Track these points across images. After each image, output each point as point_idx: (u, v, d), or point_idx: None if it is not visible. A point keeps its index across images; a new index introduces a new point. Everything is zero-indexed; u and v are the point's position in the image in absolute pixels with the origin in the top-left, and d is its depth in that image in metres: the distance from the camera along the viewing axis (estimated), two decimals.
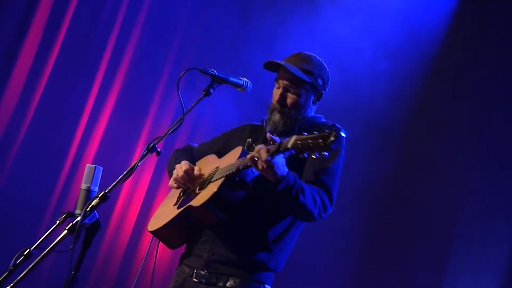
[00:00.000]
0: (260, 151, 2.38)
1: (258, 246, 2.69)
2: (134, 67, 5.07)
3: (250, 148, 2.87)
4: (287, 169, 2.45)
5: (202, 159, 3.06)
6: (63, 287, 2.23)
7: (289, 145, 2.26)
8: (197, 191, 2.76)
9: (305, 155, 2.22)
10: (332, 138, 2.15)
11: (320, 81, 2.87)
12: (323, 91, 2.90)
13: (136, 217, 5.11)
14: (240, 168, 2.52)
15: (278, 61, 2.82)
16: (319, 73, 2.86)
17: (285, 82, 2.82)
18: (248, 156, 2.44)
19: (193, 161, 3.04)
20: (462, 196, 5.12)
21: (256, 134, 2.95)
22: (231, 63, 5.41)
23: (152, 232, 2.83)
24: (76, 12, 4.69)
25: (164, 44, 5.23)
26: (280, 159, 2.38)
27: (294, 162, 2.58)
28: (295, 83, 2.81)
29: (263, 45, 5.39)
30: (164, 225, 2.75)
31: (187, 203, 2.72)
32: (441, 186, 5.15)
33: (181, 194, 2.90)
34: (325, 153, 2.18)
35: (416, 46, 5.31)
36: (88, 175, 2.56)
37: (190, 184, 2.85)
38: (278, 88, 2.85)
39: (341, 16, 5.37)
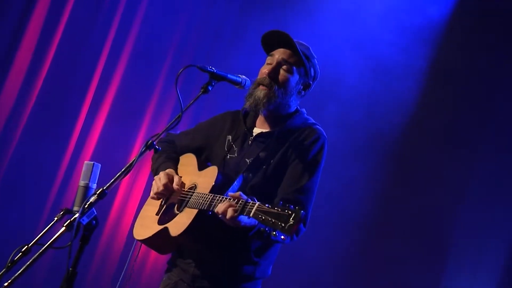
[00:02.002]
0: (227, 211, 2.34)
1: (241, 259, 2.67)
2: (133, 64, 5.07)
3: (231, 149, 2.82)
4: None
5: (182, 160, 2.97)
6: (61, 283, 2.24)
7: (251, 215, 2.24)
8: (176, 210, 2.73)
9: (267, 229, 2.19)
10: (291, 223, 2.12)
11: (312, 72, 2.80)
12: (311, 82, 2.82)
13: (134, 214, 5.11)
14: (211, 210, 2.47)
15: (283, 31, 2.73)
16: (313, 63, 2.81)
17: (282, 56, 2.74)
18: (215, 210, 2.41)
19: (176, 160, 2.97)
20: (460, 195, 5.12)
21: (235, 128, 2.87)
22: (230, 61, 5.40)
23: (138, 240, 2.83)
24: (74, 8, 4.68)
25: (163, 41, 5.22)
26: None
27: (276, 171, 2.64)
28: (292, 60, 2.73)
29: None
30: (146, 239, 2.75)
31: (167, 219, 2.71)
32: (440, 186, 5.15)
33: (163, 202, 2.86)
34: (284, 236, 2.14)
35: (413, 48, 5.30)
36: (86, 172, 2.56)
37: (171, 194, 2.80)
38: (270, 64, 2.76)
39: (342, 17, 5.37)
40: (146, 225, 2.81)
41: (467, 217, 5.04)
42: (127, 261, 2.95)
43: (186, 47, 5.35)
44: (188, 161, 2.93)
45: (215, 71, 2.66)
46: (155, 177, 2.83)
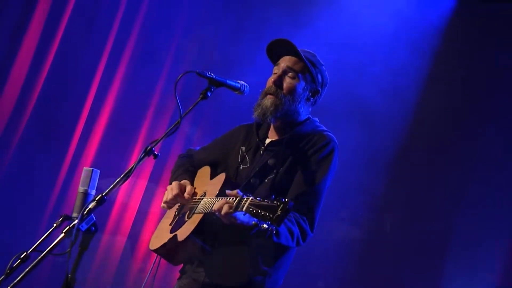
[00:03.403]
0: (223, 207, 2.34)
1: (251, 270, 2.65)
2: (132, 69, 5.08)
3: (243, 160, 2.85)
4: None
5: (199, 173, 3.02)
6: None
7: (244, 209, 2.24)
8: (186, 217, 2.76)
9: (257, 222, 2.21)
10: (279, 213, 2.14)
11: (320, 78, 2.82)
12: (319, 89, 2.83)
13: (133, 220, 5.11)
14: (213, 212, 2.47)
15: (286, 38, 2.76)
16: (320, 69, 2.83)
17: (287, 64, 2.77)
18: (213, 208, 2.42)
19: (193, 173, 3.01)
20: (460, 195, 5.11)
21: (248, 140, 2.91)
22: (228, 67, 5.38)
23: (152, 250, 2.85)
24: (73, 15, 4.70)
25: (162, 47, 5.23)
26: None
27: (286, 179, 2.64)
28: (297, 67, 2.76)
29: (262, 50, 5.35)
30: (159, 247, 2.78)
31: (177, 228, 2.74)
32: (440, 186, 5.15)
33: (176, 213, 2.90)
34: (274, 227, 2.16)
35: (413, 49, 5.29)
36: (85, 178, 2.55)
37: (184, 202, 2.83)
38: (276, 73, 2.79)
39: (340, 19, 5.36)
40: (160, 235, 2.85)
41: (467, 217, 5.03)
42: (148, 274, 2.95)
43: (185, 53, 5.35)
44: (203, 173, 2.98)
45: (214, 76, 2.67)
46: (167, 187, 2.87)
